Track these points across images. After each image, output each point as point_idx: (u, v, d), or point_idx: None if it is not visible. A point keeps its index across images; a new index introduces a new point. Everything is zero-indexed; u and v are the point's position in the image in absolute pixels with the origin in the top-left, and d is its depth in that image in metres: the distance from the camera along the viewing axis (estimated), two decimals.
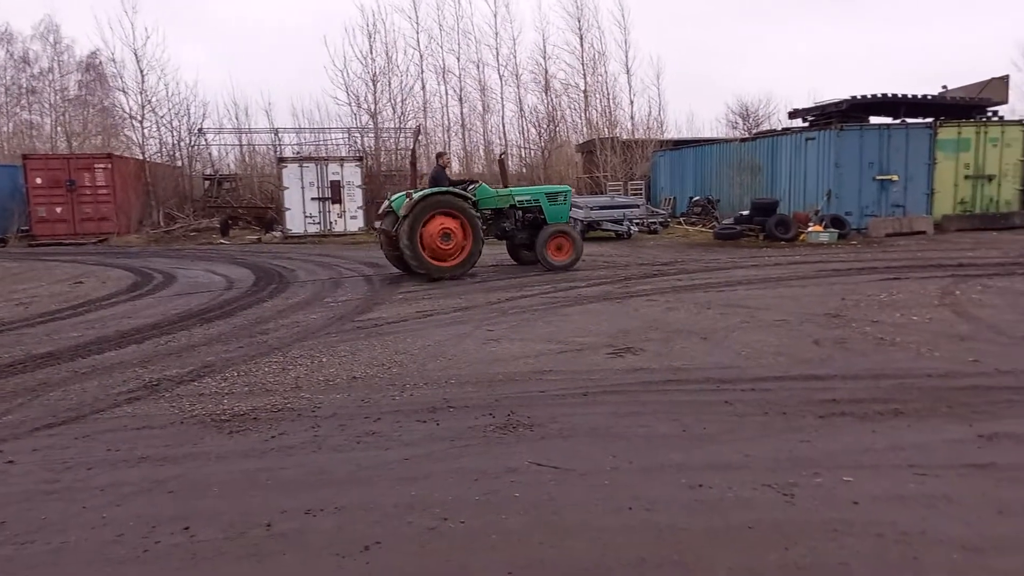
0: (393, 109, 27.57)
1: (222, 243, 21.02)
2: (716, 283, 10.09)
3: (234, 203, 25.16)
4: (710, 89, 61.31)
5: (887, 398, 4.81)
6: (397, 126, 26.48)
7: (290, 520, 3.29)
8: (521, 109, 30.60)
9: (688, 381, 5.33)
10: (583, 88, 29.15)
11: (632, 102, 29.06)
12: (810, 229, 16.35)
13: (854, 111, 17.67)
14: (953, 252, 13.22)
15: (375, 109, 27.08)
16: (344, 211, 21.53)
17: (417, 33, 30.57)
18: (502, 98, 30.93)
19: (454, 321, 7.87)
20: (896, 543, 2.98)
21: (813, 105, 19.07)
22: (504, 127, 31.08)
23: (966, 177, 17.80)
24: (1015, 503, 3.30)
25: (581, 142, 28.10)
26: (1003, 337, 6.46)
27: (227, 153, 29.27)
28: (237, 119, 29.10)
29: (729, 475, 3.67)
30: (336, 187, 21.34)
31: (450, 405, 4.85)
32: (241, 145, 28.88)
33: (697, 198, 20.78)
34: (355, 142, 26.28)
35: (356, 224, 21.66)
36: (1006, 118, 18.80)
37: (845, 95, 17.74)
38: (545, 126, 29.67)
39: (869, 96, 17.45)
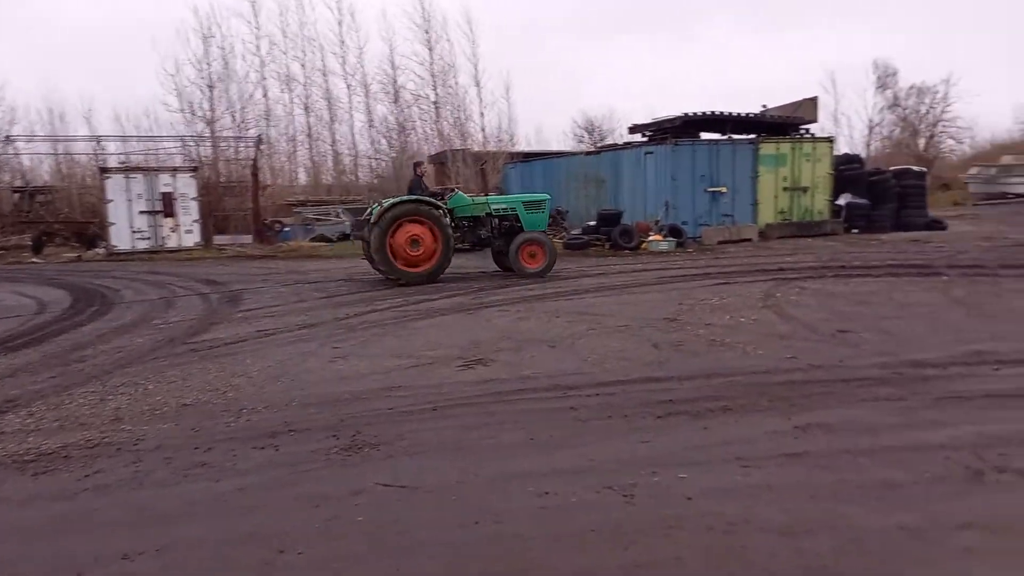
0: (233, 117, 26.24)
1: (34, 262, 18.98)
2: (565, 292, 10.38)
3: (49, 218, 22.83)
4: (558, 104, 63.55)
5: (717, 395, 5.12)
6: (237, 135, 25.21)
7: (104, 567, 2.97)
8: (370, 119, 30.18)
9: (537, 389, 5.40)
10: (434, 99, 29.21)
11: (483, 114, 29.45)
12: (651, 238, 17.26)
13: (687, 127, 18.90)
14: (775, 258, 14.41)
15: (212, 117, 25.62)
16: (178, 225, 20.12)
17: (257, 39, 29.36)
18: (350, 108, 30.38)
19: (298, 339, 7.54)
20: (724, 534, 3.15)
21: (651, 121, 20.21)
22: (354, 137, 30.51)
23: (784, 189, 19.51)
24: (824, 488, 3.60)
25: (433, 153, 28.10)
26: (816, 335, 7.08)
27: (41, 163, 26.54)
28: (52, 125, 26.49)
29: (574, 480, 3.74)
30: (168, 199, 19.91)
31: (291, 429, 4.61)
32: (57, 154, 26.29)
33: None
34: (190, 152, 24.72)
35: (192, 239, 20.29)
36: (816, 135, 20.83)
37: (679, 112, 18.98)
38: (396, 136, 29.41)
39: (700, 113, 18.74)
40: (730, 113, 19.07)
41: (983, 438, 4.16)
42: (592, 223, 17.93)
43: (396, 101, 29.73)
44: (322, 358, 6.62)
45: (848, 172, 20.47)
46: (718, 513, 3.32)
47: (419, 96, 29.22)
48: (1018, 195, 29.41)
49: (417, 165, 13.20)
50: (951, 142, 40.17)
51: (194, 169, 21.30)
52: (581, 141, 38.21)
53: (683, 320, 7.96)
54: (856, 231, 19.55)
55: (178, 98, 26.27)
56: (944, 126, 39.12)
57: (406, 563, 2.95)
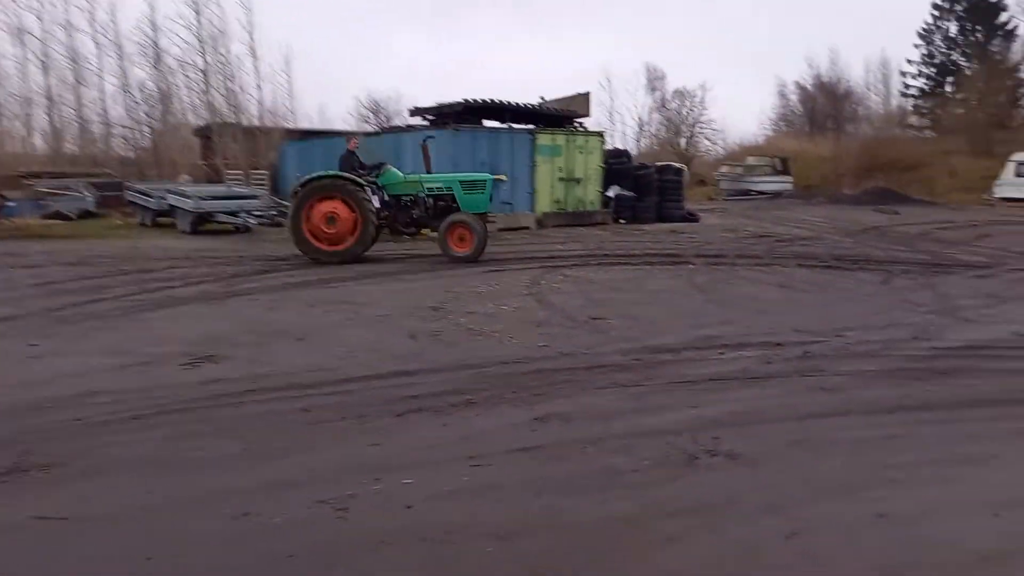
0: None
1: None
2: (329, 278, 9.79)
3: None
4: (343, 83, 61.51)
5: (464, 388, 4.95)
6: None
7: None
8: (125, 84, 26.83)
9: (269, 389, 4.88)
10: (202, 67, 26.61)
11: (259, 87, 27.36)
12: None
13: (468, 113, 18.91)
14: (547, 245, 14.86)
15: None
16: None
17: None
18: (101, 70, 26.77)
19: None
20: (440, 543, 2.92)
21: (433, 105, 19.99)
22: (105, 103, 26.96)
23: (560, 179, 20.25)
24: (550, 482, 3.52)
25: (200, 126, 25.68)
26: (570, 322, 7.23)
27: None
28: None
29: (285, 496, 3.32)
30: None
31: None
32: None
33: None
34: None
35: None
36: (589, 129, 21.89)
37: (461, 98, 18.91)
38: (156, 105, 26.47)
39: (480, 101, 18.84)
40: (509, 102, 19.40)
41: (701, 421, 4.36)
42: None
43: (157, 66, 26.71)
44: (12, 358, 5.54)
45: (617, 166, 21.75)
46: (437, 521, 3.09)
47: (185, 63, 26.46)
48: (760, 192, 33.33)
49: (349, 138, 12.22)
50: (707, 142, 44.65)
51: None
52: (367, 122, 37.20)
53: (447, 308, 7.78)
54: (623, 221, 20.84)
55: None
56: (701, 127, 43.38)
57: None
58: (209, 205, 15.87)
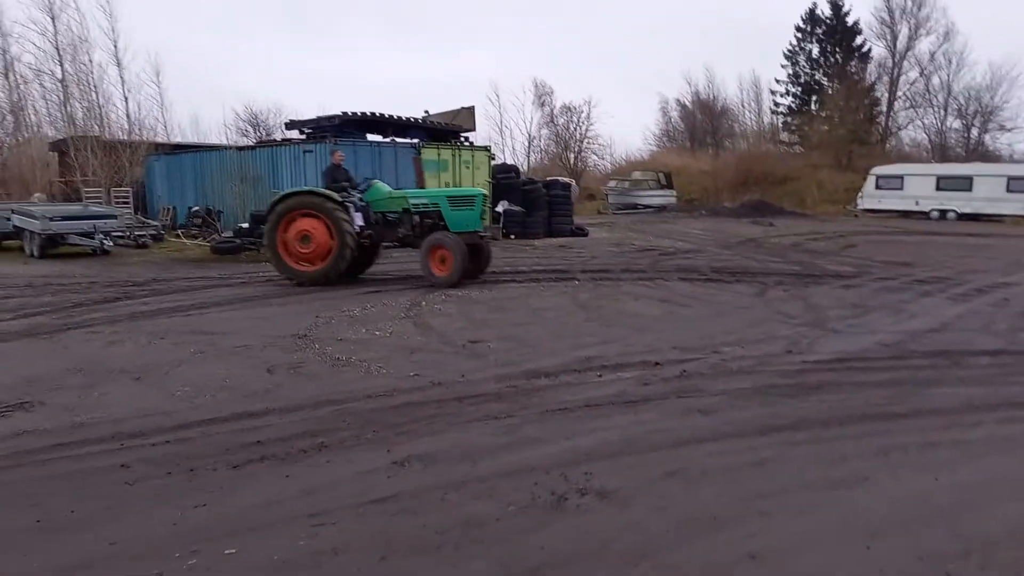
0: None
1: None
2: (188, 305, 8.98)
3: None
4: (220, 95, 58.94)
5: (319, 430, 4.47)
6: None
7: None
8: None
9: (87, 442, 4.23)
10: (60, 77, 24.61)
11: (126, 98, 25.59)
12: None
13: (347, 126, 18.27)
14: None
15: None
16: None
17: None
18: None
19: None
20: None
21: (310, 118, 19.20)
22: None
23: None
24: (401, 540, 3.13)
25: (57, 140, 23.68)
26: (448, 347, 6.85)
27: None
28: None
29: None
30: None
31: None
32: None
33: (196, 208, 19.14)
34: None
35: None
36: (475, 144, 21.68)
37: (340, 111, 18.25)
38: (9, 118, 24.23)
39: (360, 113, 18.25)
40: (390, 116, 18.90)
41: (574, 454, 4.09)
42: (245, 225, 16.31)
43: (7, 76, 24.47)
44: None
45: (505, 181, 21.64)
46: None
47: (41, 72, 24.37)
48: (646, 205, 34.25)
49: (333, 152, 11.67)
50: (595, 157, 45.53)
51: None
52: (245, 135, 35.52)
53: (314, 336, 7.23)
54: (513, 236, 20.73)
55: None
56: (589, 143, 44.19)
57: None
58: (59, 226, 14.45)
